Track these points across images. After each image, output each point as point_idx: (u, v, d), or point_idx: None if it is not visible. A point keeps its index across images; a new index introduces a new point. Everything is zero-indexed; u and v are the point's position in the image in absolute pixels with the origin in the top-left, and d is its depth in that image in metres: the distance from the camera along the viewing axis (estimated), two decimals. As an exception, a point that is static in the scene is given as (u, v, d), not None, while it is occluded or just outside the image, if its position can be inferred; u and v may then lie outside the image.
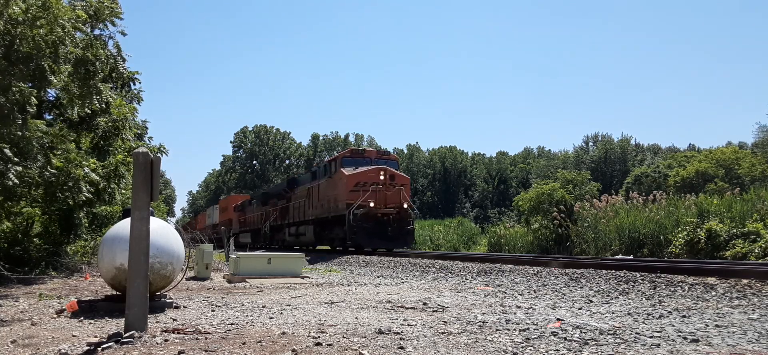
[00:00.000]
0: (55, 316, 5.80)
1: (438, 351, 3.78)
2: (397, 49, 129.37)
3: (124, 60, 10.87)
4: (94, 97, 9.61)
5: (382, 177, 19.49)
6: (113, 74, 10.55)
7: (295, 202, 26.40)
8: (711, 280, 7.39)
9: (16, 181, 8.47)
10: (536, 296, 7.21)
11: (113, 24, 10.45)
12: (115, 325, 4.94)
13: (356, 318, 5.33)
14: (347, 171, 19.99)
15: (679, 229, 15.29)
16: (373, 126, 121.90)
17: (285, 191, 29.12)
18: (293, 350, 3.80)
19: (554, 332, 4.40)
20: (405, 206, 19.63)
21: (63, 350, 3.99)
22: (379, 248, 19.67)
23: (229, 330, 4.67)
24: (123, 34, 10.81)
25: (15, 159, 8.53)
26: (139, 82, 12.71)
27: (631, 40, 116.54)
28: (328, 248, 24.01)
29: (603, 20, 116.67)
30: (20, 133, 8.45)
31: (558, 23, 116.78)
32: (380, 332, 4.50)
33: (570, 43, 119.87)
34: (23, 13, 8.14)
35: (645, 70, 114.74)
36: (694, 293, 6.84)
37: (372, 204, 18.95)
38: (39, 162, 9.37)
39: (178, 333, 4.52)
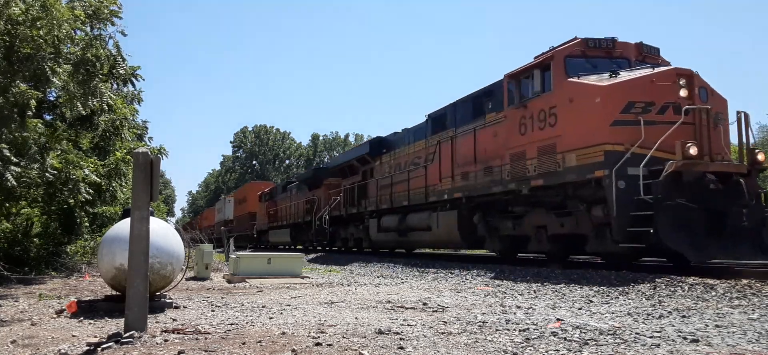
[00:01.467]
0: (55, 316, 5.80)
1: (438, 351, 3.78)
2: (397, 49, 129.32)
3: (124, 60, 10.86)
4: (95, 98, 9.64)
5: (684, 92, 9.09)
6: (113, 71, 10.55)
7: (389, 176, 16.70)
8: (711, 280, 7.39)
9: (15, 182, 8.48)
10: (536, 296, 7.21)
11: (112, 24, 10.46)
12: (115, 325, 4.94)
13: (356, 318, 5.33)
14: (593, 80, 9.55)
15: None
16: (374, 126, 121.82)
17: (362, 160, 19.30)
18: (293, 350, 3.80)
19: (554, 332, 4.40)
20: (759, 157, 9.16)
21: (63, 350, 3.99)
22: (712, 258, 8.54)
23: (229, 330, 4.67)
24: (123, 33, 10.82)
25: (13, 159, 8.55)
26: (143, 79, 12.70)
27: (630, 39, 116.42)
28: (493, 254, 13.88)
29: (603, 19, 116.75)
30: (16, 134, 8.45)
31: (559, 24, 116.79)
32: (380, 332, 4.49)
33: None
34: (23, 14, 8.15)
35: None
36: (694, 293, 6.84)
37: (693, 151, 8.38)
38: (37, 162, 9.39)
39: (178, 333, 4.52)
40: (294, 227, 26.73)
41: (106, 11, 10.12)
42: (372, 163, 18.72)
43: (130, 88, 12.79)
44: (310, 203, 24.13)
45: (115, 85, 11.49)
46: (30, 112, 8.63)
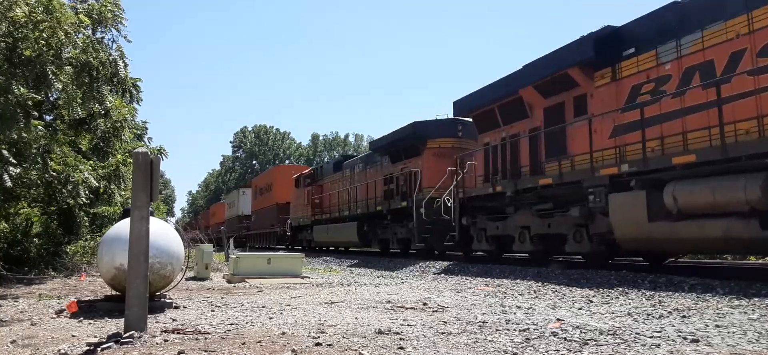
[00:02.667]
0: (55, 316, 5.80)
1: (438, 351, 3.78)
2: (397, 48, 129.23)
3: (126, 65, 10.87)
4: (96, 102, 9.67)
5: None
6: (114, 79, 10.56)
7: (671, 95, 8.44)
8: (711, 280, 7.38)
9: (10, 184, 8.52)
10: (536, 296, 7.21)
11: (117, 30, 10.48)
12: (115, 325, 4.94)
13: (356, 318, 5.33)
14: None
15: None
16: (374, 126, 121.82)
17: (553, 85, 10.68)
18: (293, 350, 3.80)
19: (554, 332, 4.40)
20: None
21: (62, 350, 3.99)
22: None
23: (229, 330, 4.67)
24: (127, 40, 10.86)
25: (13, 160, 8.57)
26: (141, 91, 12.70)
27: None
28: None
29: (607, 16, 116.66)
30: (15, 136, 8.47)
31: (560, 22, 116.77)
32: (380, 332, 4.49)
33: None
34: (26, 16, 8.17)
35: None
36: (694, 293, 6.84)
37: None
38: (38, 164, 9.42)
39: (178, 333, 4.52)
40: (366, 219, 18.38)
41: (109, 16, 10.14)
42: (586, 84, 10.03)
43: (130, 95, 12.79)
44: (401, 179, 16.01)
45: (113, 90, 11.48)
46: (35, 114, 8.68)
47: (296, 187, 25.97)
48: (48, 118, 11.94)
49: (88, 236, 13.67)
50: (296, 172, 28.09)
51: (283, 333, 4.49)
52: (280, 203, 29.04)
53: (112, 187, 12.01)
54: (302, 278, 10.96)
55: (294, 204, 26.20)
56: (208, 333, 4.52)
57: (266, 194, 32.07)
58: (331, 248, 23.38)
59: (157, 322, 5.16)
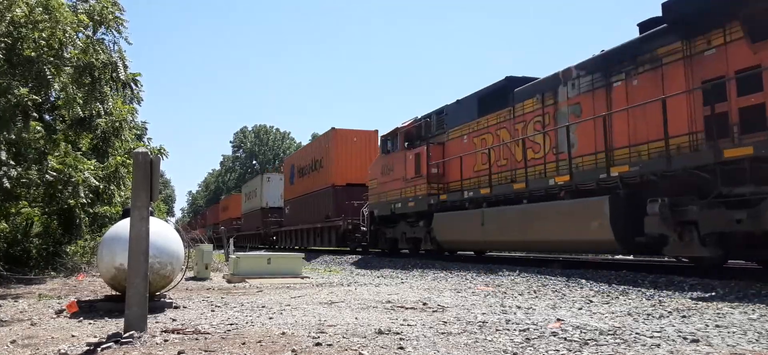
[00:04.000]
0: (55, 316, 5.80)
1: (438, 351, 3.78)
2: (398, 47, 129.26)
3: (126, 67, 10.87)
4: (98, 102, 9.70)
5: None
6: (113, 75, 10.56)
7: None
8: (711, 280, 7.39)
9: (8, 185, 8.53)
10: (536, 296, 7.21)
11: (118, 32, 10.49)
12: (115, 325, 4.94)
13: (356, 318, 5.33)
14: None
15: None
16: (374, 125, 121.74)
17: None
18: (293, 350, 3.80)
19: (554, 332, 4.40)
20: None
21: (62, 350, 3.99)
22: None
23: (229, 330, 4.67)
24: (128, 42, 10.87)
25: (11, 162, 8.58)
26: (141, 85, 12.69)
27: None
28: None
29: (613, 15, 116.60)
30: (13, 137, 8.48)
31: (568, 25, 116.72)
32: (380, 332, 4.49)
33: (575, 41, 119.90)
34: (26, 16, 8.17)
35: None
36: (695, 293, 6.84)
37: None
38: (37, 163, 9.44)
39: (178, 333, 4.52)
40: (641, 191, 8.60)
41: (110, 17, 10.14)
42: None
43: (129, 92, 12.79)
44: None
45: (114, 88, 11.48)
46: (34, 115, 8.69)
47: (383, 152, 16.77)
48: (48, 118, 11.94)
49: (88, 236, 13.67)
50: (365, 137, 19.73)
51: (283, 333, 4.49)
52: (339, 184, 20.28)
53: (112, 187, 12.02)
54: (302, 278, 10.95)
55: (378, 181, 16.82)
56: (208, 333, 4.53)
57: (313, 173, 22.73)
58: (472, 253, 14.83)
59: (157, 322, 5.16)
